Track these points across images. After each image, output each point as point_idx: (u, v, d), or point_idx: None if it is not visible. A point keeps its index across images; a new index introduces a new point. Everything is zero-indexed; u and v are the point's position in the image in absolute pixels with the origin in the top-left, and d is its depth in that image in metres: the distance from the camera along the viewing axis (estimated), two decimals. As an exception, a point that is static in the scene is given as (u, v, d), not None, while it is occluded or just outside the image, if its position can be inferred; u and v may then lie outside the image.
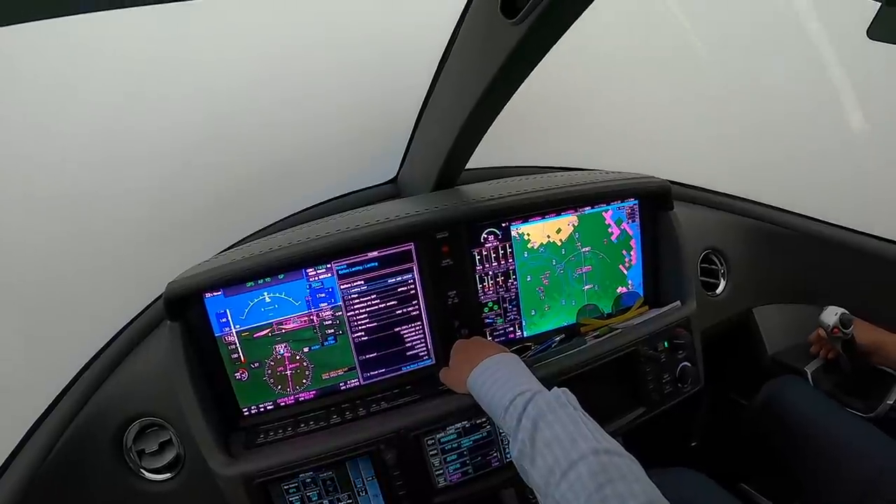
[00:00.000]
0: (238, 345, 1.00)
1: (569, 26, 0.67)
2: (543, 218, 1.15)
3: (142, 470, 1.02)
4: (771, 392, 1.44)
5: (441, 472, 1.03)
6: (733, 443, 1.59)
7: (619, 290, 1.27)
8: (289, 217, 1.26)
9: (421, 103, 1.08)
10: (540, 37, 0.68)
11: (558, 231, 1.17)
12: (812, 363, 1.49)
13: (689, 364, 1.21)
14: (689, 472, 1.22)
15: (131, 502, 1.02)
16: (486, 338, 1.16)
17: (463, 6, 0.81)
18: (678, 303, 1.23)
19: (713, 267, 1.49)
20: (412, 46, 1.03)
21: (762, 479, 1.50)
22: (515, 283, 1.16)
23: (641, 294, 1.30)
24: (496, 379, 0.88)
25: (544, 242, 1.16)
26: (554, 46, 0.72)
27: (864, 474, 1.18)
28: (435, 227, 1.05)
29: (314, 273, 1.01)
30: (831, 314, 1.34)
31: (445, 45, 0.91)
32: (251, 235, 1.22)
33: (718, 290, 1.48)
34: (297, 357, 1.04)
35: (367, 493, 0.98)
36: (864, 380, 1.40)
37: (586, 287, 1.23)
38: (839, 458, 1.24)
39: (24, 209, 1.03)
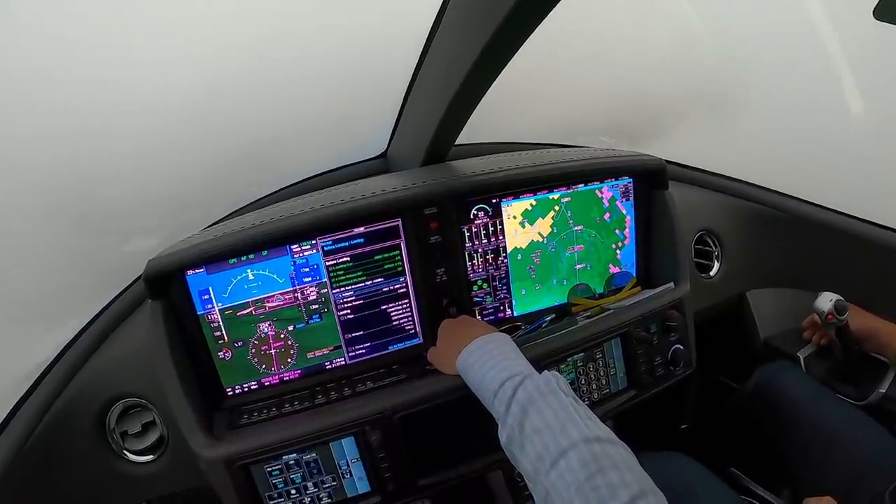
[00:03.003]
0: (221, 323, 0.98)
1: None
2: (535, 195, 1.12)
3: (125, 451, 1.00)
4: (763, 377, 1.43)
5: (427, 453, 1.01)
6: (723, 427, 1.58)
7: (612, 269, 1.25)
8: (274, 193, 1.23)
9: (410, 76, 1.05)
10: (534, 3, 0.65)
11: (550, 209, 1.15)
12: (805, 349, 1.48)
13: (681, 347, 1.20)
14: (680, 456, 1.21)
15: (114, 484, 1.00)
16: (475, 317, 1.14)
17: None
18: (671, 284, 1.22)
19: (707, 248, 1.47)
20: (401, 16, 0.99)
21: (752, 464, 1.49)
22: (505, 260, 1.14)
23: (634, 274, 1.28)
24: (485, 361, 0.86)
25: (536, 220, 1.14)
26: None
27: (854, 462, 1.17)
28: (423, 202, 1.02)
29: (299, 249, 0.99)
30: (826, 300, 1.32)
31: (436, 14, 0.87)
32: (235, 212, 1.19)
33: (712, 272, 1.47)
34: (282, 336, 1.02)
35: (351, 475, 0.97)
36: (856, 367, 1.39)
37: (578, 266, 1.21)
38: (830, 444, 1.23)
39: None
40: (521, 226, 1.13)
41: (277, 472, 0.93)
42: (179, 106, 1.10)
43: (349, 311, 1.05)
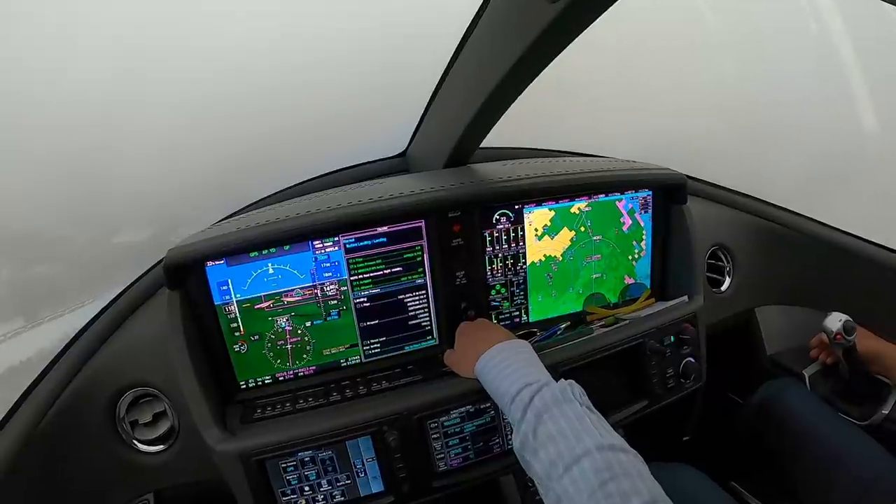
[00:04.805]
0: (238, 316, 0.98)
1: (607, 7, 0.64)
2: (557, 203, 1.13)
3: (134, 441, 1.00)
4: (768, 393, 1.44)
5: (442, 455, 1.01)
6: (726, 440, 1.59)
7: (627, 280, 1.26)
8: (295, 186, 1.22)
9: (439, 76, 1.05)
10: (575, 17, 0.65)
11: (571, 217, 1.15)
12: (810, 367, 1.49)
13: (692, 360, 1.20)
14: (686, 467, 1.21)
15: (123, 473, 1.00)
16: (492, 321, 1.14)
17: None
18: (685, 298, 1.22)
19: (719, 264, 1.48)
20: (434, 16, 0.99)
21: (753, 479, 1.50)
22: (524, 267, 1.14)
23: (648, 286, 1.28)
24: (504, 367, 0.86)
25: (556, 228, 1.14)
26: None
27: (855, 483, 1.18)
28: (449, 205, 1.02)
29: (321, 246, 0.99)
30: (835, 320, 1.33)
31: (472, 17, 0.87)
32: (255, 203, 1.19)
33: (723, 287, 1.47)
34: (299, 331, 1.02)
35: (366, 474, 0.96)
36: (861, 387, 1.40)
37: (595, 276, 1.21)
38: (832, 464, 1.24)
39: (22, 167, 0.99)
40: (541, 233, 1.13)
41: (292, 468, 0.92)
42: (200, 98, 1.10)
43: (368, 309, 1.05)
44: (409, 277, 1.05)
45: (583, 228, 1.17)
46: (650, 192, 1.22)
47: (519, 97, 0.89)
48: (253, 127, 1.17)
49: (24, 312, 1.06)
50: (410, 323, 1.08)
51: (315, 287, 1.00)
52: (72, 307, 1.05)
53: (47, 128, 0.98)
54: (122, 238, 1.16)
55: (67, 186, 1.05)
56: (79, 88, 0.99)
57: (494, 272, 1.12)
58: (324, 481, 0.95)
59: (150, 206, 1.15)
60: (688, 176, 1.24)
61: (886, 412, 1.34)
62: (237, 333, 0.99)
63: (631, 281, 1.26)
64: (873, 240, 1.35)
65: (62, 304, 1.06)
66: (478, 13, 0.85)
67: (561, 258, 1.16)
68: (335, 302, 1.02)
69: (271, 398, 1.01)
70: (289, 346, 1.02)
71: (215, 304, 0.96)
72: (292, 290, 0.99)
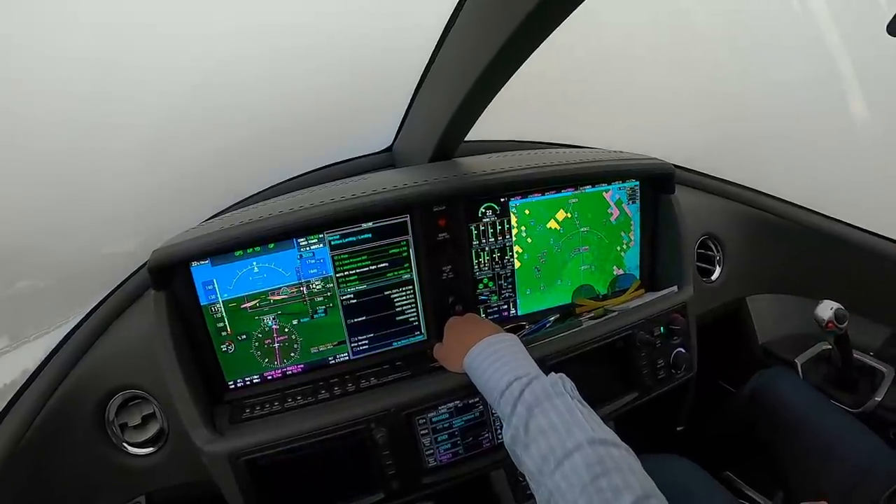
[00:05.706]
0: (224, 315, 0.97)
1: None
2: (543, 195, 1.12)
3: (124, 444, 0.99)
4: (760, 382, 1.43)
5: (431, 451, 1.01)
6: (720, 430, 1.59)
7: (616, 271, 1.25)
8: (280, 184, 1.22)
9: (422, 69, 1.04)
10: (558, 4, 0.64)
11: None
12: (802, 355, 1.49)
13: (683, 350, 1.20)
14: (677, 458, 1.21)
15: (113, 476, 0.99)
16: (480, 315, 1.14)
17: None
18: (675, 288, 1.22)
19: (709, 253, 1.48)
20: (414, 10, 0.98)
21: (746, 468, 1.50)
22: (512, 259, 1.13)
23: (637, 277, 1.28)
24: (493, 361, 0.86)
25: (543, 220, 1.14)
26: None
27: (849, 470, 1.18)
28: (433, 199, 1.02)
29: (306, 243, 0.98)
30: (827, 308, 1.32)
31: (452, 9, 0.86)
32: (240, 202, 1.18)
33: (714, 277, 1.47)
34: (286, 330, 1.01)
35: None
36: (853, 375, 1.40)
37: (583, 267, 1.21)
38: (825, 452, 1.24)
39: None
40: (528, 225, 1.13)
41: (281, 467, 0.92)
42: (184, 94, 1.08)
43: (354, 305, 1.04)
44: (396, 273, 1.05)
45: (569, 219, 1.16)
46: (637, 183, 1.21)
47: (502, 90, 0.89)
48: (239, 127, 1.16)
49: (9, 332, 1.05)
50: (398, 319, 1.08)
51: (301, 285, 1.00)
52: (58, 323, 1.04)
53: (28, 138, 0.97)
54: (111, 249, 1.15)
55: (51, 198, 1.03)
56: (60, 90, 0.98)
57: (481, 265, 1.11)
58: (313, 480, 0.94)
59: (139, 213, 1.14)
60: (676, 166, 1.24)
61: (879, 399, 1.34)
62: (224, 333, 0.98)
63: (620, 272, 1.26)
64: (863, 227, 1.35)
65: (48, 320, 1.05)
66: (458, 4, 0.85)
67: (548, 250, 1.16)
68: (321, 299, 1.02)
69: (260, 398, 1.01)
70: (276, 345, 1.02)
71: (201, 304, 0.96)
72: (278, 288, 0.99)
